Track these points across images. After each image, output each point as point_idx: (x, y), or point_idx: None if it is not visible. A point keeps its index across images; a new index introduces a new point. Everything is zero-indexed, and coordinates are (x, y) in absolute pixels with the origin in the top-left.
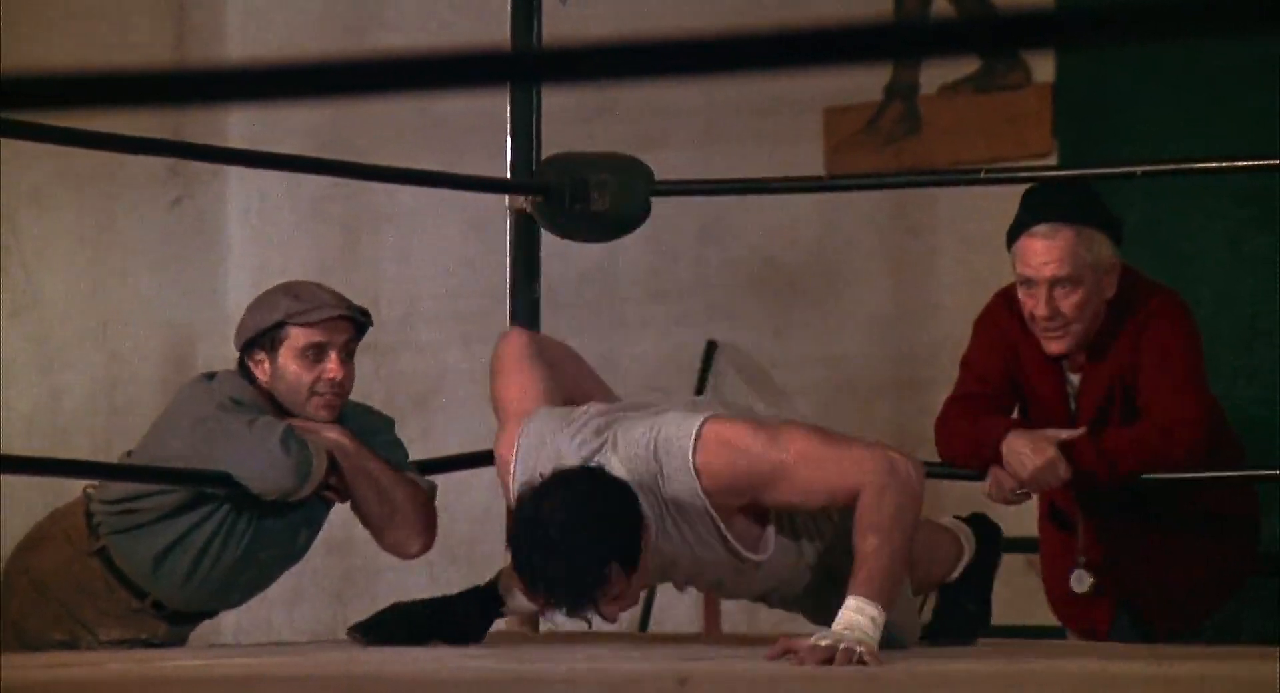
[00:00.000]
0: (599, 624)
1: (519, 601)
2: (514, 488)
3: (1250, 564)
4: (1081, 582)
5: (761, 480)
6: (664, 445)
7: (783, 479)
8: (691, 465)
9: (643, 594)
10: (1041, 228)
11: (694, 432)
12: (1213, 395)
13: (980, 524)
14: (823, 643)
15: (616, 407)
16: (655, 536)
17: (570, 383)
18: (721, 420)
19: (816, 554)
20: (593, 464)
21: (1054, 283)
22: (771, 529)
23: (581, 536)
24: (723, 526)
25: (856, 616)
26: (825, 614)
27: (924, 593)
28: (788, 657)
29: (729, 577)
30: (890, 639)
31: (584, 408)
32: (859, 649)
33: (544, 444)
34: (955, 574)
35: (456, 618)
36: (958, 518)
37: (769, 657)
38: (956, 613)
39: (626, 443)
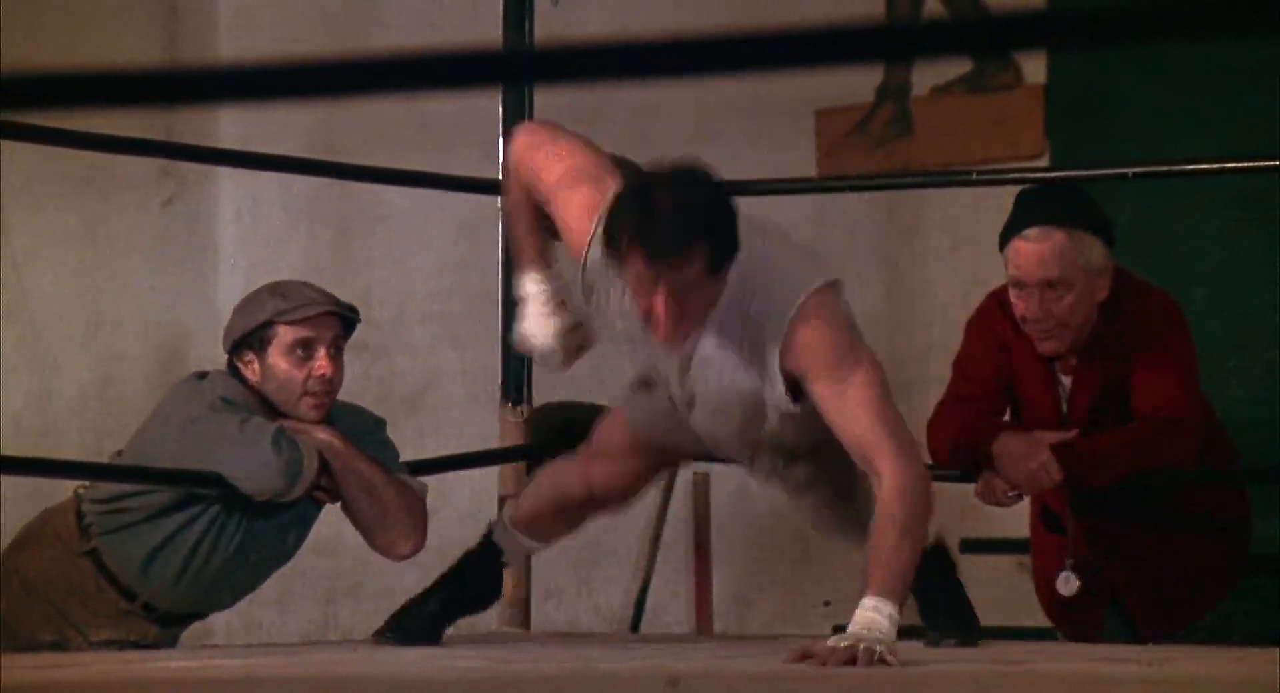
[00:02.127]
0: (592, 624)
1: (516, 542)
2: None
3: (1242, 565)
4: (1069, 584)
5: (819, 369)
6: (784, 270)
7: (834, 387)
8: (796, 304)
9: (632, 596)
10: (1033, 231)
11: (815, 284)
12: (1205, 397)
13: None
14: (842, 644)
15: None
16: (719, 318)
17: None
18: (836, 301)
19: (824, 456)
20: None
21: (1045, 285)
22: (808, 406)
23: (694, 197)
24: (777, 357)
25: (874, 615)
26: (816, 508)
27: None
28: (808, 661)
29: (742, 410)
30: None
31: None
32: (879, 649)
33: None
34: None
35: (468, 590)
36: None
37: (787, 661)
38: (951, 617)
39: (750, 248)
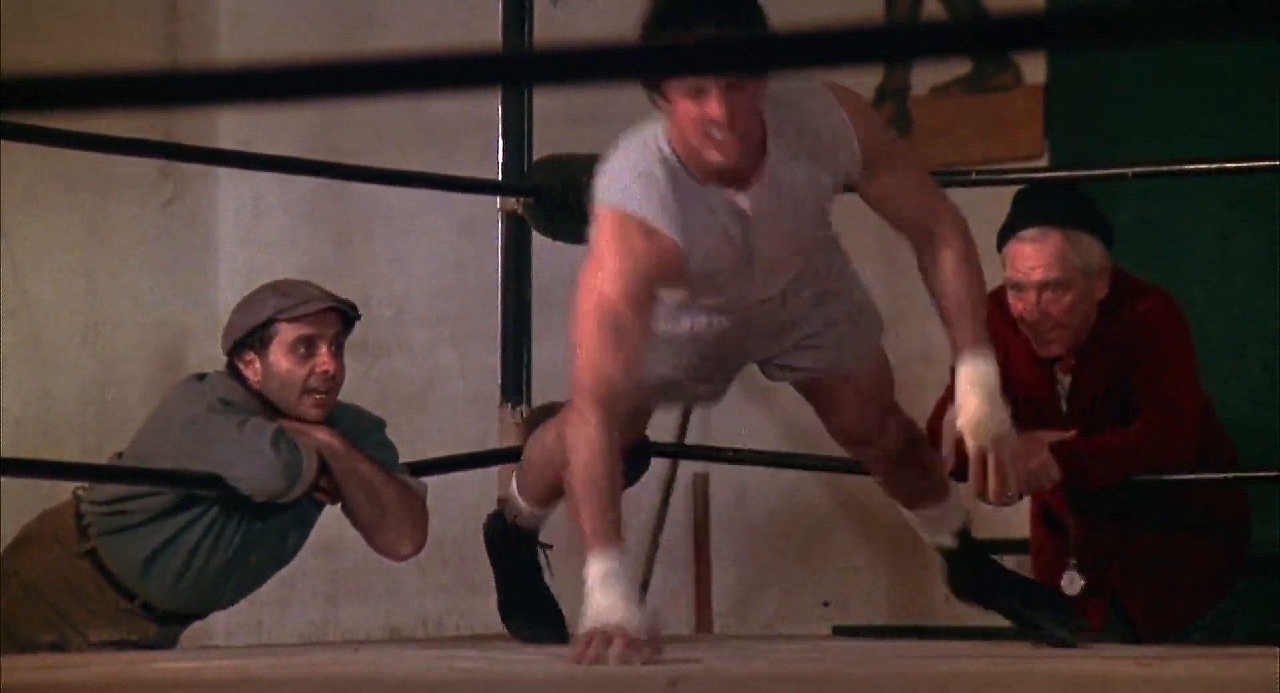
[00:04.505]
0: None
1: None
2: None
3: (1242, 565)
4: (1073, 583)
5: (890, 151)
6: (802, 87)
7: (903, 164)
8: (836, 102)
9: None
10: (1030, 231)
11: (828, 86)
12: (1204, 396)
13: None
14: (973, 441)
15: None
16: (774, 145)
17: None
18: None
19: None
20: None
21: (1043, 287)
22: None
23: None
24: (844, 157)
25: (983, 366)
26: (838, 354)
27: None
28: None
29: (803, 224)
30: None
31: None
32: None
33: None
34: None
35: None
36: None
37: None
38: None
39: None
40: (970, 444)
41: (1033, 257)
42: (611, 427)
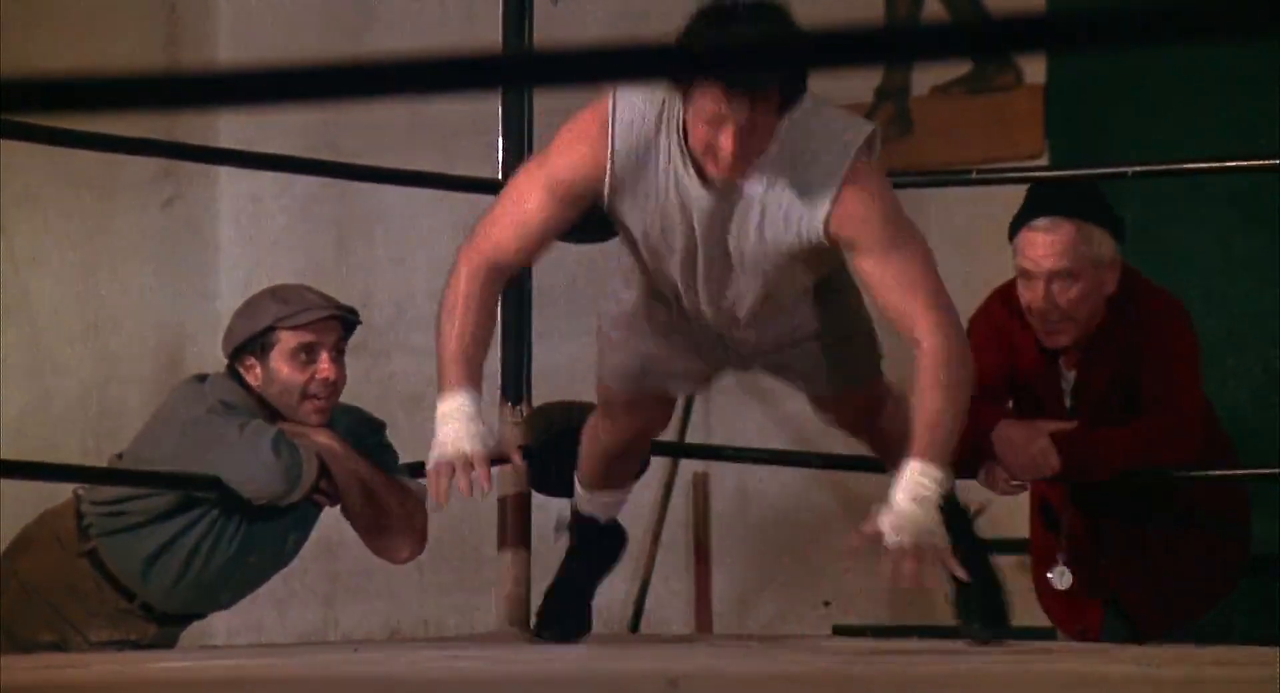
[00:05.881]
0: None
1: (600, 502)
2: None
3: (1242, 565)
4: (1062, 578)
5: (868, 241)
6: (830, 119)
7: (895, 258)
8: (847, 163)
9: (632, 596)
10: (1042, 221)
11: (864, 134)
12: (1206, 396)
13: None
14: (894, 537)
15: None
16: (769, 163)
17: None
18: (878, 163)
19: (837, 318)
20: None
21: (1053, 276)
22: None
23: (775, 31)
24: (822, 220)
25: (921, 480)
26: (819, 381)
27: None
28: (872, 544)
29: (775, 259)
30: None
31: None
32: (933, 541)
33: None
34: None
35: (595, 562)
36: None
37: (851, 548)
38: (980, 603)
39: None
40: (890, 540)
41: (1044, 245)
42: (483, 278)
